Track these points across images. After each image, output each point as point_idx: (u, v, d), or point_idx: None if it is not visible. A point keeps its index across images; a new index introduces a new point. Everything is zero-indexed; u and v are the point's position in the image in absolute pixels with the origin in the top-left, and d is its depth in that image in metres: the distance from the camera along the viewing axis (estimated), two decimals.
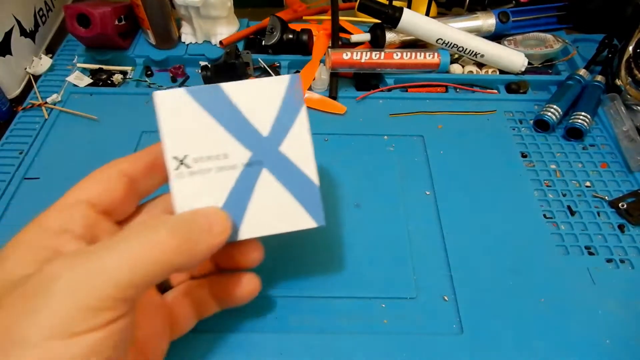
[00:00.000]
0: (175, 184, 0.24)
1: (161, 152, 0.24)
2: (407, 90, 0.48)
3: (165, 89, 0.45)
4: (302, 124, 0.26)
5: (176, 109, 0.25)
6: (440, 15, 0.54)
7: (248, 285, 0.27)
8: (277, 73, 0.49)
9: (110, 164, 0.25)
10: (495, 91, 0.48)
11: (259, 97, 0.26)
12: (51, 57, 0.51)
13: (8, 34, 0.46)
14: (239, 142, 0.25)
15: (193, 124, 0.25)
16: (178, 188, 0.24)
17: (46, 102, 0.45)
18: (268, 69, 0.49)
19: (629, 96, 0.46)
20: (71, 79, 0.48)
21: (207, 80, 0.46)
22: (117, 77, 0.49)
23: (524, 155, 0.42)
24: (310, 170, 0.26)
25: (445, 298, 0.32)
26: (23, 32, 0.48)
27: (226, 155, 0.25)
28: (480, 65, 0.50)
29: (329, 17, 0.50)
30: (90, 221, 0.22)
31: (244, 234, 0.25)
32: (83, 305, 0.16)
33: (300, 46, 0.50)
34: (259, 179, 0.25)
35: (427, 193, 0.38)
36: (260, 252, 0.27)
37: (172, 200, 0.25)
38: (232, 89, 0.25)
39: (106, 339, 0.17)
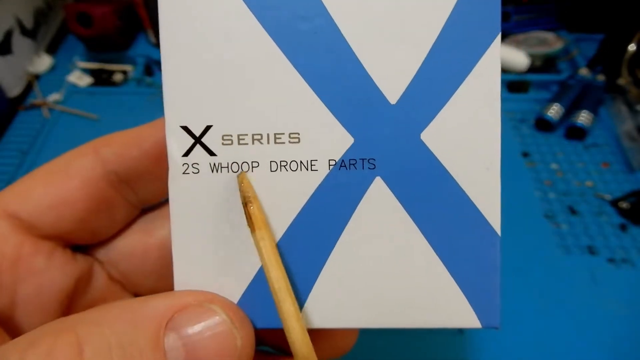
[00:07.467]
0: (178, 192, 0.12)
1: None
2: None
3: None
4: (487, 80, 0.12)
5: (199, 18, 0.12)
6: None
7: None
8: None
9: (81, 149, 0.13)
10: None
11: (389, 7, 0.12)
12: (52, 57, 0.51)
13: (9, 34, 0.46)
14: (327, 107, 0.12)
15: (232, 60, 0.12)
16: (181, 202, 0.12)
17: (47, 102, 0.45)
18: None
19: (630, 95, 0.45)
20: (72, 78, 0.48)
21: None
22: (118, 77, 0.48)
23: (525, 155, 0.42)
24: (488, 198, 0.12)
25: None
26: (24, 32, 0.48)
27: (296, 135, 0.12)
28: None
29: None
30: (9, 252, 0.12)
31: (314, 319, 0.12)
32: None
33: None
34: (361, 202, 0.12)
35: None
36: (354, 338, 0.15)
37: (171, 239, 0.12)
38: None
39: None
